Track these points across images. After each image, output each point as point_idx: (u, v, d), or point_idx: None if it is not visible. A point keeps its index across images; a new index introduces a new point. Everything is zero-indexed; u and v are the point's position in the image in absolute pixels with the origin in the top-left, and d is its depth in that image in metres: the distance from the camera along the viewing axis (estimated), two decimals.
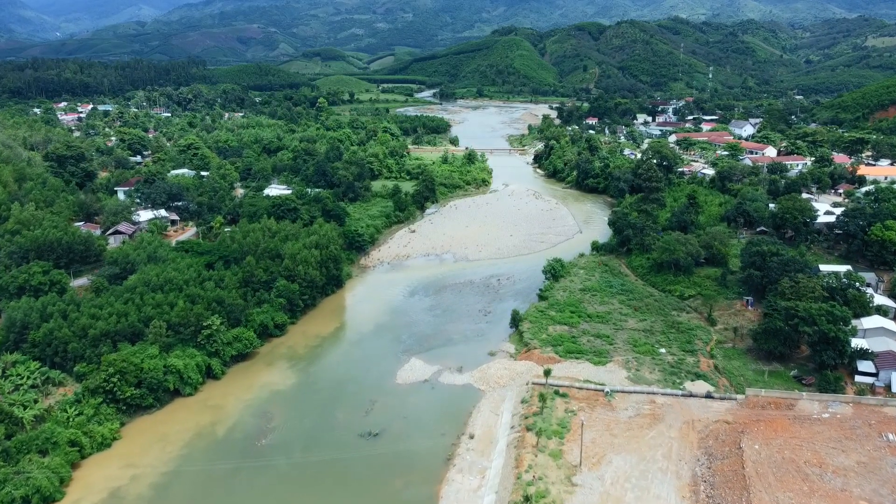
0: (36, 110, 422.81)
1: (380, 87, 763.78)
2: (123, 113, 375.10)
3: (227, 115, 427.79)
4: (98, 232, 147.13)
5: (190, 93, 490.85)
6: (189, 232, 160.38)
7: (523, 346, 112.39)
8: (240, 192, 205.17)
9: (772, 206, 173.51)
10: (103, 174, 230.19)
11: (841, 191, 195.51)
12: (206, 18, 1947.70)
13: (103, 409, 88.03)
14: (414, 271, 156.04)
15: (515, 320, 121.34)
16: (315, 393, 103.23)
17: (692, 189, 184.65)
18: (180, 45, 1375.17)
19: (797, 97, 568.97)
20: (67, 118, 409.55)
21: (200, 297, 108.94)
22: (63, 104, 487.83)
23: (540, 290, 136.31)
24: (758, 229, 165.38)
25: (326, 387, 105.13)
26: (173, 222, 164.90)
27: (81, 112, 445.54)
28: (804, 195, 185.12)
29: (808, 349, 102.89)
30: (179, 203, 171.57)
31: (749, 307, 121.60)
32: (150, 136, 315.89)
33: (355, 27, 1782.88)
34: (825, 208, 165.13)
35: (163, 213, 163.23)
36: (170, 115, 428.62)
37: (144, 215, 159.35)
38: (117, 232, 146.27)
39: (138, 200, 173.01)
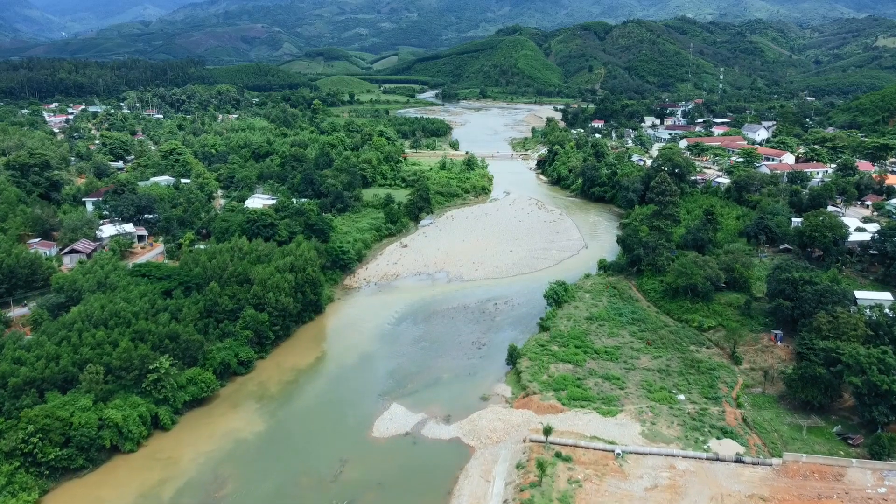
0: (24, 111, 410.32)
1: (381, 88, 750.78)
2: (111, 115, 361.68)
3: (220, 116, 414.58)
4: (53, 251, 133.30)
5: (183, 94, 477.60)
6: (157, 249, 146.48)
7: (521, 390, 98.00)
8: (221, 202, 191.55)
9: (795, 220, 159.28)
10: (80, 181, 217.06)
11: (868, 203, 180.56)
12: (211, 18, 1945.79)
13: (20, 476, 74.02)
14: (403, 293, 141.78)
15: (512, 356, 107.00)
16: (281, 444, 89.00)
17: (709, 203, 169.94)
18: (184, 45, 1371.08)
19: (808, 98, 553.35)
20: (56, 120, 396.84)
21: (151, 333, 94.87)
22: (54, 105, 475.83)
23: (541, 318, 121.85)
24: (781, 247, 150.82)
25: (295, 437, 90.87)
26: (141, 238, 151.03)
27: (72, 113, 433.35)
28: (830, 208, 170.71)
29: (851, 398, 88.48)
30: (150, 216, 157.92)
31: (778, 342, 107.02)
32: (138, 139, 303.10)
33: (359, 27, 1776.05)
34: (855, 224, 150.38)
35: (129, 227, 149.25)
36: (161, 116, 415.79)
37: (108, 231, 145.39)
38: (74, 251, 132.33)
39: (105, 213, 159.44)
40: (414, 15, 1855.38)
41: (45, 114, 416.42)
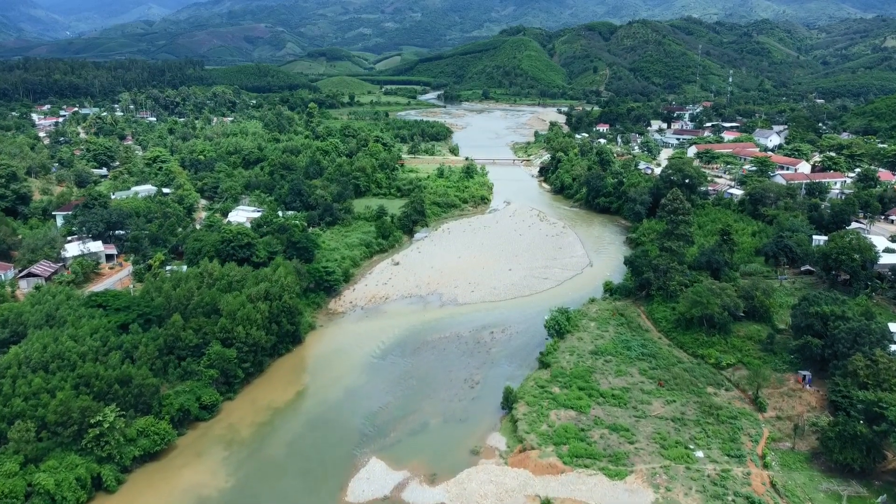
0: (14, 114, 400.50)
1: (383, 89, 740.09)
2: (101, 118, 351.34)
3: (215, 119, 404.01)
4: (10, 273, 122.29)
5: (178, 96, 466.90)
6: (126, 270, 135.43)
7: (517, 443, 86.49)
8: (202, 215, 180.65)
9: (815, 237, 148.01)
10: (59, 189, 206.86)
11: (893, 218, 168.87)
12: (214, 17, 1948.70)
13: None
14: (391, 319, 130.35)
15: (508, 400, 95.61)
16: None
17: (724, 222, 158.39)
18: (187, 45, 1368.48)
19: (818, 101, 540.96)
20: (46, 122, 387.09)
21: (98, 377, 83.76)
22: (47, 107, 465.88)
23: (541, 353, 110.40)
24: (802, 268, 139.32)
25: (261, 499, 79.81)
26: (110, 257, 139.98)
27: (64, 115, 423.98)
28: (853, 224, 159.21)
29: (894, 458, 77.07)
30: (122, 232, 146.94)
31: (806, 385, 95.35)
32: (126, 144, 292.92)
33: (363, 27, 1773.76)
34: (884, 244, 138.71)
35: (96, 246, 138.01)
36: (154, 119, 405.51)
37: (72, 250, 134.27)
38: (31, 274, 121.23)
39: (75, 229, 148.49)
40: (418, 15, 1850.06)
41: (35, 116, 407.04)
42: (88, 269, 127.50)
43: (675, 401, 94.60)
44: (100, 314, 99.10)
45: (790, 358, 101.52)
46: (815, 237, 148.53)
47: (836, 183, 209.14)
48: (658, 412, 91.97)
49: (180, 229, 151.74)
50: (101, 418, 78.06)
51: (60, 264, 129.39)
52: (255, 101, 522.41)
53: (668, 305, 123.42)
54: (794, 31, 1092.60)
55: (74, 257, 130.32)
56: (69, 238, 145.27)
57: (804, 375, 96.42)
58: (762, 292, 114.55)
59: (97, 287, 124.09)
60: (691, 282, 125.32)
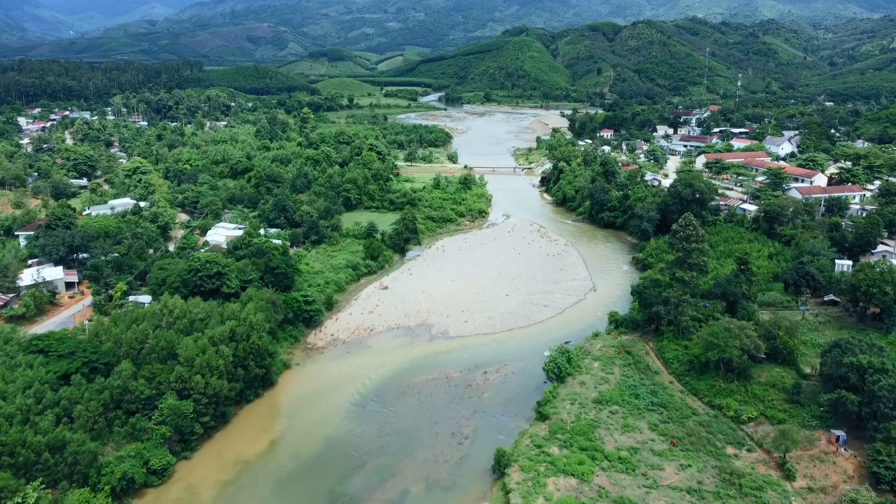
0: (1, 118, 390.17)
1: (383, 91, 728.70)
2: (88, 123, 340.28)
3: (208, 124, 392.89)
4: None
5: (171, 99, 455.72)
6: (85, 300, 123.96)
7: None
8: (180, 233, 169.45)
9: (839, 262, 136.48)
10: (35, 203, 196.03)
11: None
12: (217, 17, 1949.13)
13: None
14: (376, 356, 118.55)
15: (500, 463, 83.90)
16: None
17: (741, 247, 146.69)
18: (189, 45, 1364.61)
19: (827, 104, 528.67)
20: (34, 127, 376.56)
21: (26, 445, 72.40)
22: (37, 111, 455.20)
23: (538, 402, 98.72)
24: (826, 298, 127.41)
25: None
26: (70, 285, 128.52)
27: (54, 119, 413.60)
28: (879, 247, 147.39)
29: None
30: (87, 256, 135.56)
31: (841, 447, 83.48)
32: (112, 152, 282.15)
33: (366, 26, 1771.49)
34: None
35: (53, 272, 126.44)
36: (146, 124, 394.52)
37: (27, 278, 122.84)
38: None
39: (36, 253, 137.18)
40: (421, 14, 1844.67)
41: (24, 120, 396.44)
42: (42, 300, 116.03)
43: (690, 466, 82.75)
44: (39, 362, 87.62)
45: (820, 412, 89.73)
46: (837, 262, 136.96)
47: (854, 197, 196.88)
48: (671, 480, 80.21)
49: (151, 251, 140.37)
50: (19, 500, 66.71)
51: (13, 295, 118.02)
52: (251, 104, 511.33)
53: (679, 343, 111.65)
54: (800, 31, 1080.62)
55: (27, 287, 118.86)
56: (29, 262, 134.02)
57: (838, 436, 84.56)
58: (786, 331, 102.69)
59: (51, 322, 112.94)
60: (705, 316, 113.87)
